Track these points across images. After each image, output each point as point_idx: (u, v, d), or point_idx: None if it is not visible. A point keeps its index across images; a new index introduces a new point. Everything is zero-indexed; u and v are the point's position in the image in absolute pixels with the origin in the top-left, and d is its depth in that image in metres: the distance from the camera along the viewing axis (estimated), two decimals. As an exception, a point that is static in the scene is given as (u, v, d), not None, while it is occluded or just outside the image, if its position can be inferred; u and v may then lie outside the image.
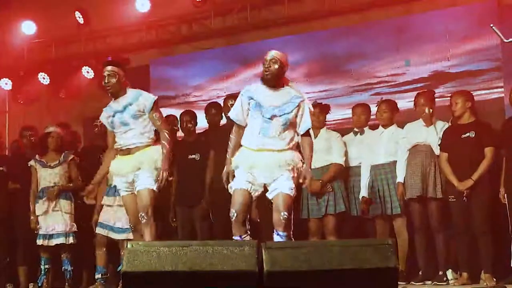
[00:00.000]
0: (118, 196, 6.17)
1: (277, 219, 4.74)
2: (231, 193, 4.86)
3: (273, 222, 4.80)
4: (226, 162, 4.97)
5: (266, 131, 4.82)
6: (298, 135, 4.91)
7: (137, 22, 8.77)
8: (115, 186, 6.29)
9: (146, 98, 5.36)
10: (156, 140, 5.39)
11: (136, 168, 5.28)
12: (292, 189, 4.77)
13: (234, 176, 4.88)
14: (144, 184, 5.28)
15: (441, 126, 6.10)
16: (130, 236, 6.13)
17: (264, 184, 4.85)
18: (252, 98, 4.90)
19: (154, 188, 5.30)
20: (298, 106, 4.83)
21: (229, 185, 4.89)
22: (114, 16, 8.73)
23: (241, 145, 4.95)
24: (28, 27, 9.16)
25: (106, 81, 5.35)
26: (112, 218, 6.33)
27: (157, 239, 5.37)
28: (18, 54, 9.45)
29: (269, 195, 4.84)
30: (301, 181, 4.80)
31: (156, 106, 5.37)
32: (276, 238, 4.73)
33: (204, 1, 8.19)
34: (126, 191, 5.41)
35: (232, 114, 5.04)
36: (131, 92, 5.40)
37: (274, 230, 4.77)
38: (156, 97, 5.42)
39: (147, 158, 5.29)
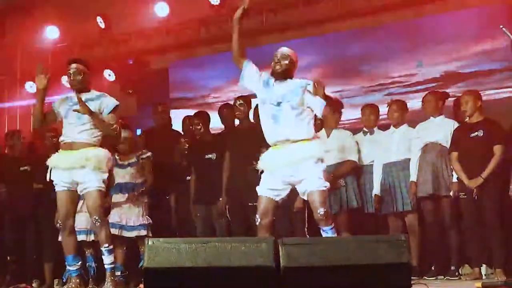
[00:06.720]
0: (121, 194, 6.40)
1: (316, 217, 4.77)
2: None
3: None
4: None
5: (277, 118, 4.88)
6: (316, 120, 4.98)
7: (156, 26, 8.93)
8: (119, 185, 6.48)
9: (109, 100, 5.35)
10: (102, 143, 5.35)
11: (80, 165, 5.17)
12: (321, 183, 4.75)
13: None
14: (94, 186, 5.20)
15: (451, 123, 6.21)
16: (142, 233, 6.33)
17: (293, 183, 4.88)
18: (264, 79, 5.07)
19: (103, 189, 5.26)
20: (304, 89, 4.86)
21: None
22: (135, 20, 8.88)
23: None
24: (51, 32, 9.36)
25: (71, 78, 5.32)
26: (123, 217, 6.43)
27: (111, 236, 5.41)
28: (43, 58, 9.59)
29: (303, 197, 4.89)
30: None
31: (115, 111, 5.33)
32: (323, 234, 4.74)
33: (221, 5, 8.29)
34: (64, 187, 5.29)
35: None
36: (95, 93, 5.39)
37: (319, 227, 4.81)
38: (118, 103, 5.38)
39: (94, 158, 5.20)
